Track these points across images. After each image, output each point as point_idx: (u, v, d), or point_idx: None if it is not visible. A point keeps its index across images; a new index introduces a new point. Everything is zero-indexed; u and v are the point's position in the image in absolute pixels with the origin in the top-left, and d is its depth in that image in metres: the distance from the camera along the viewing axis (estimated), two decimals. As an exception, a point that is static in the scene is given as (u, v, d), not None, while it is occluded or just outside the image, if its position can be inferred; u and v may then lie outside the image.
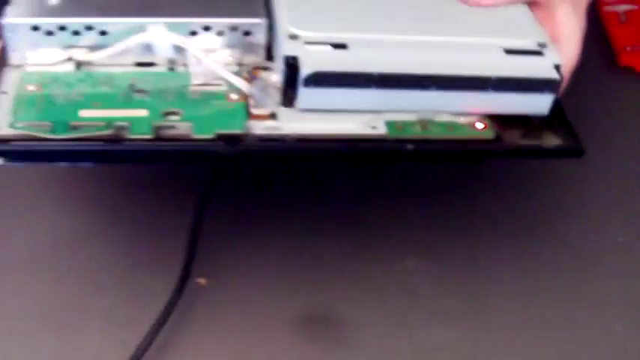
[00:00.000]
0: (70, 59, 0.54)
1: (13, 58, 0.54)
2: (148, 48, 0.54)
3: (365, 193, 0.70)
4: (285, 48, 0.51)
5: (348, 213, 0.68)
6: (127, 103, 0.51)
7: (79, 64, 0.54)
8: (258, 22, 0.54)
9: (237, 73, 0.53)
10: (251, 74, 0.54)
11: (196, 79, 0.53)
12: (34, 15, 0.53)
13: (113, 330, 0.58)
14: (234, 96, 0.52)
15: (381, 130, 0.52)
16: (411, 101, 0.52)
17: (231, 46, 0.55)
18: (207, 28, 0.54)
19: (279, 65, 0.52)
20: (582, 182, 0.72)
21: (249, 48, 0.55)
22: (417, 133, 0.52)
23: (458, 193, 0.71)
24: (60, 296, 0.60)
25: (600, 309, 0.63)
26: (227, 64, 0.54)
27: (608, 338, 0.61)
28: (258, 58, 0.55)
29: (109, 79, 0.53)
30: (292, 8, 0.54)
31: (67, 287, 0.61)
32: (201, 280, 0.62)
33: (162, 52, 0.54)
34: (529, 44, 0.54)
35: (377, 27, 0.54)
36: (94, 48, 0.54)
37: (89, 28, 0.53)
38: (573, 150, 0.53)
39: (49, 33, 0.53)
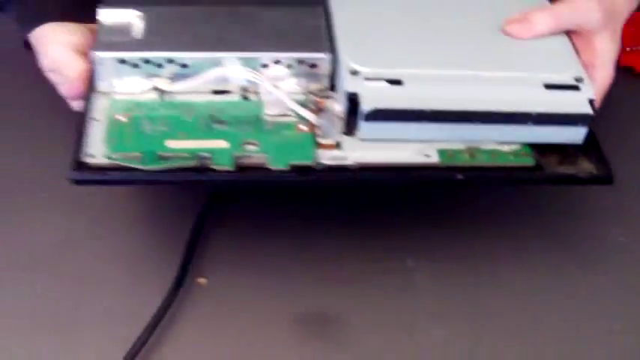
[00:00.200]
0: (153, 88, 0.58)
1: (101, 85, 0.58)
2: (223, 78, 0.57)
3: (365, 192, 0.70)
4: (347, 84, 0.55)
5: (348, 213, 0.68)
6: (208, 134, 0.55)
7: (161, 92, 0.58)
8: (323, 56, 0.58)
9: (304, 104, 0.57)
10: (316, 105, 0.57)
11: (269, 110, 0.57)
12: (121, 49, 0.57)
13: (113, 329, 0.58)
14: (303, 127, 0.56)
15: (434, 158, 0.57)
16: (460, 132, 0.57)
17: (297, 75, 0.59)
18: (277, 62, 0.57)
19: (341, 96, 0.57)
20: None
21: (313, 77, 0.59)
22: (466, 160, 0.57)
23: (458, 193, 0.71)
24: (60, 296, 0.60)
25: (599, 309, 0.63)
26: (294, 93, 0.58)
27: (606, 337, 0.61)
28: (321, 85, 0.59)
29: (190, 109, 0.57)
30: (352, 44, 0.58)
31: (67, 287, 0.61)
32: (202, 280, 0.62)
33: (237, 81, 0.57)
34: (567, 78, 0.58)
35: (427, 61, 0.58)
36: (174, 78, 0.57)
37: (171, 61, 0.57)
38: (605, 178, 0.57)
39: (135, 65, 0.57)
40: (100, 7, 0.60)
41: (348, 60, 0.57)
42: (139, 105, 0.57)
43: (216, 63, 0.57)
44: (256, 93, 0.59)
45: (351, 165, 0.55)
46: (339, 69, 0.58)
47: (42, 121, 0.73)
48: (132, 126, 0.55)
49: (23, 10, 0.68)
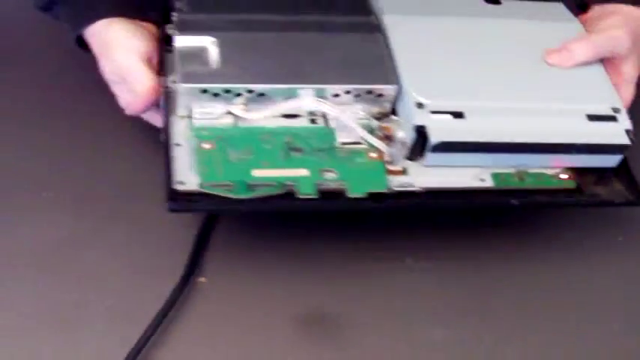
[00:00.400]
0: (229, 113, 0.60)
1: (180, 111, 0.60)
2: (298, 108, 0.61)
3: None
4: (415, 117, 0.59)
5: (347, 213, 0.67)
6: (288, 162, 0.58)
7: (236, 117, 0.60)
8: (391, 88, 0.61)
9: (372, 131, 0.60)
10: (382, 131, 0.61)
11: (340, 137, 0.60)
12: (205, 81, 0.59)
13: (114, 329, 0.58)
14: (373, 154, 0.60)
15: (489, 182, 0.61)
16: (511, 160, 0.62)
17: (361, 101, 0.62)
18: (347, 92, 0.60)
19: (406, 126, 0.61)
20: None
21: (376, 103, 0.62)
22: (516, 183, 0.62)
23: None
24: (60, 296, 0.60)
25: (599, 309, 0.64)
26: (359, 119, 0.61)
27: (606, 337, 0.62)
28: (383, 109, 0.63)
29: (266, 135, 0.60)
30: (414, 76, 0.62)
31: (68, 287, 0.60)
32: (202, 280, 0.62)
33: (306, 107, 0.60)
34: (605, 109, 0.63)
35: (482, 93, 0.62)
36: (247, 103, 0.60)
37: (250, 91, 0.59)
38: (636, 202, 0.62)
39: (215, 94, 0.59)
40: (175, 35, 0.61)
41: (413, 92, 0.60)
42: (220, 132, 0.59)
43: (292, 93, 0.60)
44: (323, 117, 0.61)
45: (417, 190, 0.59)
46: (403, 99, 0.61)
47: (43, 119, 0.72)
48: (218, 154, 0.58)
49: (75, 6, 0.67)
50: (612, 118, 0.63)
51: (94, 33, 0.66)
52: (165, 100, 0.61)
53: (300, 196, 0.57)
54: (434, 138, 0.58)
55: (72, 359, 0.57)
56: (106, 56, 0.65)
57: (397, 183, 0.59)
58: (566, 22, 0.69)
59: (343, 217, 0.66)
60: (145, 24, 0.67)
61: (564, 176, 0.63)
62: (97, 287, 0.61)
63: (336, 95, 0.61)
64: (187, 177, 0.57)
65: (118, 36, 0.64)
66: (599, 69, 0.66)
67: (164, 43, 0.65)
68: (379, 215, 0.65)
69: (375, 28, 0.65)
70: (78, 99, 0.74)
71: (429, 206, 0.61)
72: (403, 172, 0.60)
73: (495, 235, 0.68)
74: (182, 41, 0.61)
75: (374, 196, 0.58)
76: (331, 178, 0.58)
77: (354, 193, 0.57)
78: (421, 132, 0.59)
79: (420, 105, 0.60)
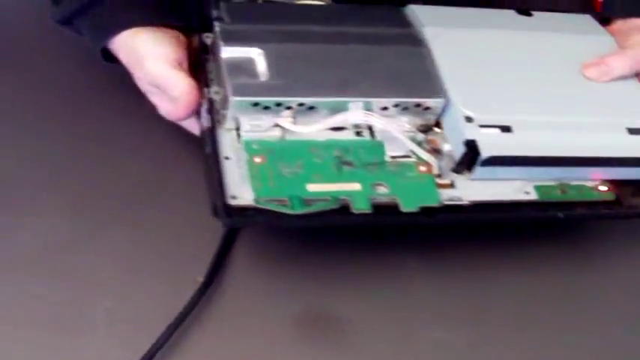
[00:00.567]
0: (276, 125, 0.58)
1: (228, 123, 0.58)
2: (346, 121, 0.60)
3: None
4: (465, 132, 0.59)
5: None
6: (340, 176, 0.57)
7: (283, 129, 0.59)
8: (440, 101, 0.60)
9: (419, 144, 0.60)
10: (429, 144, 0.60)
11: (388, 150, 0.59)
12: (256, 94, 0.57)
13: (113, 330, 0.58)
14: (422, 167, 0.59)
15: (533, 195, 0.61)
16: (555, 173, 0.62)
17: (408, 114, 0.61)
18: (396, 105, 0.59)
19: (453, 139, 0.60)
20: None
21: (421, 115, 0.61)
22: (558, 196, 0.61)
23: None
24: (60, 296, 0.59)
25: (599, 309, 0.64)
26: (405, 131, 0.60)
27: (606, 338, 0.62)
28: (427, 121, 0.62)
29: (316, 148, 0.59)
30: (461, 90, 0.61)
31: (68, 287, 0.59)
32: (201, 279, 0.61)
33: (355, 120, 0.59)
34: None
35: (527, 107, 0.62)
36: (296, 115, 0.58)
37: (301, 104, 0.58)
38: None
39: (266, 107, 0.57)
40: (222, 46, 0.59)
41: (461, 107, 0.59)
42: (269, 145, 0.58)
43: (342, 106, 0.59)
44: (368, 129, 0.60)
45: (466, 204, 0.58)
46: (450, 112, 0.60)
47: (43, 121, 0.70)
48: (271, 168, 0.56)
49: (98, 18, 0.65)
50: None
51: (120, 45, 0.64)
52: (209, 111, 0.59)
53: (355, 211, 0.55)
54: (484, 152, 0.58)
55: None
56: (137, 67, 0.63)
57: (446, 196, 0.59)
58: (599, 35, 0.69)
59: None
60: (170, 31, 0.65)
61: (603, 188, 0.62)
62: (97, 291, 0.60)
63: (385, 108, 0.60)
64: (239, 191, 0.55)
65: (146, 45, 0.63)
66: (635, 83, 0.66)
67: (202, 51, 0.63)
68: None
69: (418, 41, 0.64)
70: (77, 101, 0.72)
71: (480, 220, 0.60)
72: (451, 185, 0.59)
73: (497, 236, 0.67)
74: (229, 52, 0.59)
75: (425, 210, 0.57)
76: (383, 193, 0.57)
77: (407, 207, 0.56)
78: (471, 146, 0.58)
79: (468, 119, 0.59)
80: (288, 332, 0.59)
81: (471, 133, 0.58)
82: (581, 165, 0.61)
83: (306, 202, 0.55)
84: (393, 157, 0.59)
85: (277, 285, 0.62)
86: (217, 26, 0.61)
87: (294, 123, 0.59)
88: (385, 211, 0.56)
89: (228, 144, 0.58)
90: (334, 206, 0.55)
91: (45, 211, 0.64)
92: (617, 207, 0.62)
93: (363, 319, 0.60)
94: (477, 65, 0.63)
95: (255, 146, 0.57)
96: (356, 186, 0.57)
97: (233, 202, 0.54)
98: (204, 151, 0.59)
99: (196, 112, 0.62)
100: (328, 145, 0.59)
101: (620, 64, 0.65)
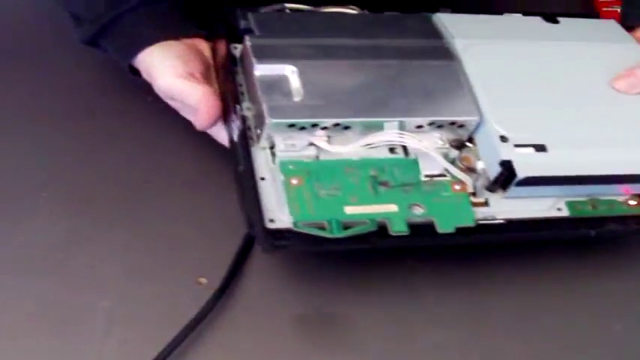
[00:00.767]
0: (311, 144, 0.57)
1: (262, 142, 0.57)
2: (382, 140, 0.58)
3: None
4: (500, 152, 0.57)
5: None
6: (376, 197, 0.56)
7: (318, 148, 0.57)
8: (474, 119, 0.59)
9: (453, 162, 0.58)
10: (463, 162, 0.59)
11: (424, 169, 0.58)
12: (293, 115, 0.56)
13: (113, 330, 0.57)
14: (457, 187, 0.58)
15: (565, 211, 0.60)
16: (587, 190, 0.60)
17: (441, 130, 0.60)
18: (431, 123, 0.58)
19: (486, 156, 0.59)
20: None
21: (454, 131, 0.60)
22: (589, 212, 0.60)
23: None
24: (60, 296, 0.58)
25: (599, 309, 0.63)
26: (438, 147, 0.59)
27: (606, 338, 0.61)
28: (459, 137, 0.60)
29: (351, 169, 0.57)
30: (495, 108, 0.59)
31: (67, 287, 0.58)
32: (202, 280, 0.60)
33: (390, 140, 0.58)
34: None
35: (559, 124, 0.60)
36: (330, 135, 0.57)
37: (337, 124, 0.56)
38: None
39: (302, 128, 0.56)
40: (255, 63, 0.57)
41: (496, 126, 0.58)
42: (305, 166, 0.56)
43: (378, 125, 0.57)
44: (402, 146, 0.59)
45: (501, 222, 0.57)
46: (484, 130, 0.59)
47: (43, 120, 0.69)
48: (307, 190, 0.55)
49: (119, 40, 0.64)
50: None
51: (139, 62, 0.63)
52: (241, 128, 0.57)
53: (393, 233, 0.54)
54: (520, 173, 0.56)
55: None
56: (153, 84, 0.63)
57: (480, 215, 0.58)
58: (627, 43, 0.68)
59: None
60: (185, 41, 0.64)
61: (633, 202, 0.62)
62: (97, 291, 0.59)
63: (419, 126, 0.58)
64: (276, 214, 0.54)
65: (154, 62, 0.62)
66: None
67: (230, 63, 0.61)
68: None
69: (450, 54, 0.62)
70: (77, 101, 0.71)
71: (514, 239, 0.59)
72: (485, 203, 0.58)
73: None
74: (262, 70, 0.57)
75: (461, 230, 0.56)
76: (419, 214, 0.56)
77: (443, 228, 0.55)
78: (507, 167, 0.57)
79: (503, 138, 0.58)
80: (291, 332, 0.58)
81: (507, 153, 0.57)
82: (614, 182, 0.60)
83: (344, 225, 0.54)
84: (428, 176, 0.58)
85: (280, 286, 0.61)
86: (248, 40, 0.59)
87: (329, 142, 0.57)
88: (421, 231, 0.55)
89: (262, 163, 0.56)
90: (373, 229, 0.54)
91: (45, 211, 0.63)
92: None
93: (363, 318, 0.60)
94: (508, 79, 0.62)
95: (291, 167, 0.56)
96: (392, 207, 0.55)
97: (272, 226, 0.53)
98: (235, 167, 0.57)
99: (223, 120, 0.60)
100: (363, 165, 0.57)
101: None
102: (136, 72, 0.64)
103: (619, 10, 0.88)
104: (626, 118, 0.62)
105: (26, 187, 0.64)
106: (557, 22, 0.68)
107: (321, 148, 0.57)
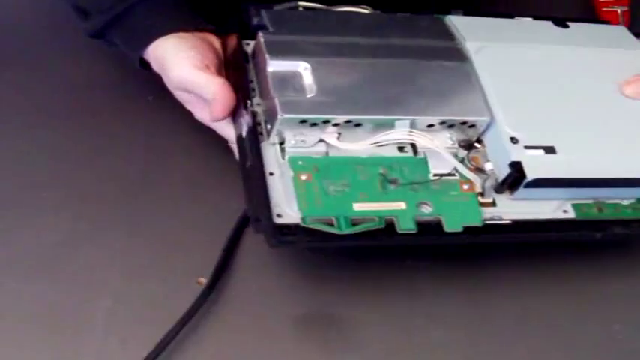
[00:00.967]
0: (321, 141, 0.56)
1: (272, 138, 0.55)
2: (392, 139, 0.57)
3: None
4: (510, 153, 0.57)
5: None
6: (385, 195, 0.55)
7: (328, 145, 0.57)
8: (485, 119, 0.58)
9: (462, 162, 0.58)
10: (472, 163, 0.58)
11: (433, 168, 0.57)
12: (304, 111, 0.55)
13: (113, 330, 0.56)
14: (465, 186, 0.57)
15: (571, 213, 0.59)
16: (594, 193, 0.60)
17: (451, 129, 0.59)
18: (442, 123, 0.57)
19: (495, 157, 0.58)
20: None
21: (464, 131, 0.59)
22: (595, 215, 0.60)
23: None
24: (60, 296, 0.57)
25: (600, 309, 0.63)
26: (448, 147, 0.58)
27: (606, 338, 0.61)
28: (469, 137, 0.60)
29: (360, 165, 0.56)
30: (506, 110, 0.59)
31: (67, 287, 0.58)
32: (202, 280, 0.59)
33: (401, 138, 0.57)
34: None
35: (568, 127, 0.60)
36: (341, 131, 0.56)
37: (348, 121, 0.55)
38: None
39: (313, 124, 0.55)
40: (268, 59, 0.56)
41: (507, 128, 0.57)
42: (314, 162, 0.55)
43: (389, 123, 0.56)
44: (411, 145, 0.58)
45: (507, 223, 0.56)
46: (494, 131, 0.58)
47: (42, 119, 0.68)
48: (317, 187, 0.54)
49: (130, 31, 0.63)
50: None
51: (150, 54, 0.62)
52: (251, 124, 0.56)
53: (400, 231, 0.53)
54: (530, 175, 0.56)
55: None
56: (164, 75, 0.61)
57: (487, 215, 0.57)
58: (636, 50, 0.67)
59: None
60: (199, 34, 0.63)
61: (639, 206, 0.60)
62: (97, 291, 0.58)
63: (430, 125, 0.57)
64: (284, 209, 0.53)
65: (169, 52, 0.61)
66: None
67: (243, 59, 0.60)
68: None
69: (462, 55, 0.61)
70: (77, 100, 0.69)
71: (520, 240, 0.58)
72: (493, 203, 0.58)
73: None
74: (274, 66, 0.57)
75: (468, 230, 0.55)
76: (427, 212, 0.55)
77: (450, 227, 0.55)
78: (517, 168, 0.56)
79: (514, 140, 0.57)
80: (289, 332, 0.58)
81: (517, 155, 0.56)
82: (622, 186, 0.59)
83: (352, 222, 0.53)
84: (436, 175, 0.57)
85: (278, 286, 0.60)
86: (261, 36, 0.59)
87: (339, 138, 0.56)
88: (429, 230, 0.55)
89: (271, 159, 0.55)
90: (381, 226, 0.53)
91: (45, 210, 0.62)
92: None
93: (363, 319, 0.59)
94: (519, 82, 0.61)
95: (300, 163, 0.55)
96: (401, 205, 0.55)
97: (279, 221, 0.52)
98: (241, 163, 0.57)
99: (232, 116, 0.59)
100: (372, 162, 0.57)
101: None
102: (144, 65, 0.63)
103: (619, 10, 0.88)
104: (633, 123, 0.61)
105: (26, 187, 0.63)
106: (567, 26, 0.67)
107: (331, 145, 0.56)
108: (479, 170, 0.58)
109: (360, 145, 0.56)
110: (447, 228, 0.55)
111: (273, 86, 0.56)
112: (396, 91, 0.58)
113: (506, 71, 0.61)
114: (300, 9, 0.63)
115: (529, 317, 0.61)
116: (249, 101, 0.57)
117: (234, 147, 0.59)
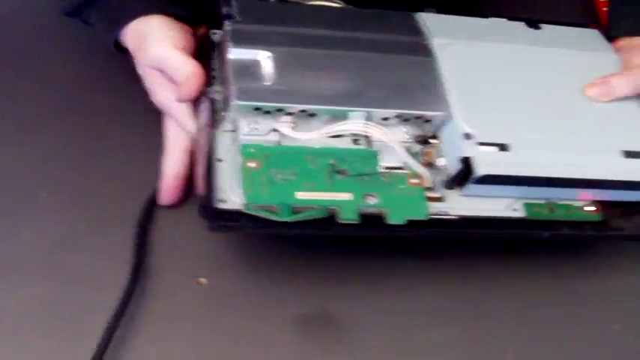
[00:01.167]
0: (274, 130, 0.56)
1: (226, 125, 0.56)
2: (346, 130, 0.57)
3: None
4: (462, 149, 0.56)
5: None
6: (332, 185, 0.55)
7: (281, 135, 0.57)
8: (441, 114, 0.58)
9: (414, 156, 0.58)
10: (424, 157, 0.58)
11: (383, 160, 0.57)
12: (259, 99, 0.55)
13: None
14: (414, 180, 0.57)
15: (521, 212, 0.59)
16: (546, 193, 0.59)
17: (407, 124, 0.59)
18: (397, 116, 0.57)
19: (448, 152, 0.58)
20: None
21: (421, 126, 0.59)
22: (546, 215, 0.59)
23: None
24: (60, 296, 0.57)
25: (599, 309, 0.62)
26: (402, 141, 0.58)
27: (606, 338, 0.61)
28: (425, 133, 0.59)
29: (310, 155, 0.56)
30: (462, 106, 0.58)
31: (67, 287, 0.57)
32: (202, 280, 0.59)
33: (355, 130, 0.57)
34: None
35: (525, 126, 0.59)
36: (295, 121, 0.57)
37: (303, 111, 0.55)
38: None
39: (267, 112, 0.55)
40: (231, 47, 0.57)
41: (462, 123, 0.57)
42: (265, 150, 0.56)
43: (344, 115, 0.57)
44: (366, 137, 0.58)
45: (453, 218, 0.56)
46: (449, 127, 0.58)
47: (41, 119, 0.68)
48: (263, 174, 0.54)
49: (110, 8, 0.63)
50: None
51: (130, 29, 0.62)
52: (209, 111, 0.57)
53: (341, 221, 0.54)
54: (480, 170, 0.55)
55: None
56: (142, 49, 0.61)
57: (434, 210, 0.57)
58: (604, 53, 0.66)
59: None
60: (177, 20, 0.63)
61: (591, 208, 0.60)
62: (97, 291, 0.58)
63: (385, 119, 0.57)
64: (228, 195, 0.54)
65: (154, 29, 0.61)
66: (636, 105, 0.63)
67: (210, 49, 0.61)
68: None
69: (427, 51, 0.61)
70: (77, 100, 0.69)
71: (466, 236, 0.58)
72: (440, 199, 0.57)
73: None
74: (236, 53, 0.57)
75: (414, 225, 0.55)
76: (373, 204, 0.55)
77: (394, 220, 0.54)
78: (466, 163, 0.55)
79: (467, 136, 0.56)
80: (287, 332, 0.58)
81: (469, 150, 0.56)
82: (575, 186, 0.58)
83: (295, 210, 0.53)
84: (387, 168, 0.57)
85: (276, 285, 0.60)
86: (228, 25, 0.59)
87: (294, 128, 0.57)
88: (373, 222, 0.55)
89: (223, 146, 0.56)
90: (322, 215, 0.53)
91: (45, 210, 0.61)
92: (603, 228, 0.60)
93: (361, 318, 0.59)
94: (481, 79, 0.61)
95: (252, 150, 0.56)
96: (346, 195, 0.55)
97: (221, 206, 0.53)
98: (199, 150, 0.57)
99: (194, 106, 0.60)
100: (323, 153, 0.57)
101: (623, 84, 0.62)
102: (118, 46, 0.64)
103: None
104: (593, 125, 0.61)
105: (26, 187, 0.63)
106: (539, 27, 0.66)
107: (284, 133, 0.56)
108: (430, 165, 0.58)
109: (311, 135, 0.56)
110: (391, 220, 0.54)
111: (232, 74, 0.56)
112: (355, 83, 0.58)
113: (470, 68, 0.61)
114: (272, 0, 0.64)
115: (529, 317, 0.61)
116: (208, 88, 0.58)
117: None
